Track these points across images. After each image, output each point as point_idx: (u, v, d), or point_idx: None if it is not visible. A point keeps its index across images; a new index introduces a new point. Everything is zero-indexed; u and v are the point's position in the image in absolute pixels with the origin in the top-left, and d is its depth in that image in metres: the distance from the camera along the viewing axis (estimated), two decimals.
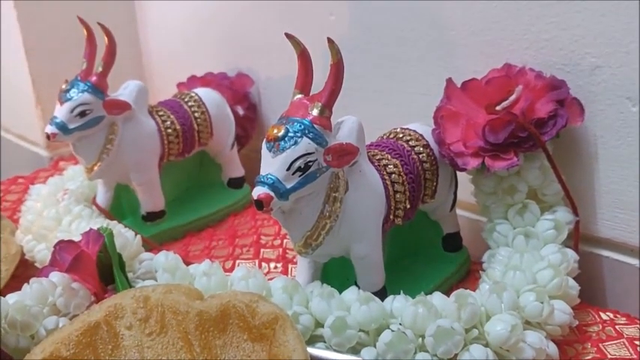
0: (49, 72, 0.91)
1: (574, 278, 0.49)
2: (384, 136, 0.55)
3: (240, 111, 0.80)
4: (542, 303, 0.44)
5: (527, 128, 0.49)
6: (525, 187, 0.52)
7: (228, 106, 0.76)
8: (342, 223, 0.47)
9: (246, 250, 0.65)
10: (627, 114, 0.51)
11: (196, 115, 0.72)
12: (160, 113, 0.69)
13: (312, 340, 0.45)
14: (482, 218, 0.60)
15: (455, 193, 0.57)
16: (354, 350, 0.44)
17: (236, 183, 0.78)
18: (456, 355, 0.42)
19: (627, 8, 0.49)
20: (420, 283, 0.55)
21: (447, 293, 0.46)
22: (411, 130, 0.55)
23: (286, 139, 0.44)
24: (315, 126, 0.44)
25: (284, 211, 0.46)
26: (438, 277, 0.57)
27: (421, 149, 0.53)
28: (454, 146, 0.52)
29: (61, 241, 0.49)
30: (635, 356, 0.46)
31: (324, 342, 0.44)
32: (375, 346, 0.43)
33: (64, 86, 0.63)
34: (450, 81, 0.55)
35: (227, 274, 0.51)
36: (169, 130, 0.69)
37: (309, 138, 0.44)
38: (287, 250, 0.65)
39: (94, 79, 0.63)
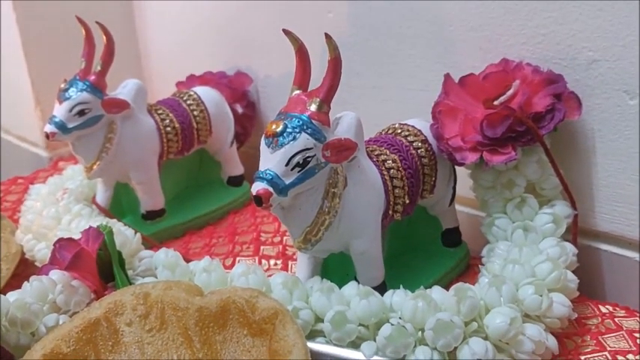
0: (49, 73, 0.91)
1: (573, 272, 0.49)
2: (383, 132, 0.56)
3: (239, 109, 0.80)
4: (541, 296, 0.44)
5: (524, 122, 0.50)
6: (524, 182, 0.52)
7: (227, 105, 0.76)
8: (341, 219, 0.47)
9: (246, 247, 0.65)
10: (625, 107, 0.51)
11: (195, 113, 0.72)
12: (159, 112, 0.69)
13: (312, 335, 0.45)
14: (481, 213, 0.60)
15: (454, 188, 0.57)
16: (354, 344, 0.44)
17: (235, 181, 0.78)
18: (456, 348, 0.42)
19: (624, 2, 0.49)
20: (420, 278, 0.55)
21: (447, 288, 0.46)
22: (409, 125, 0.55)
23: (285, 134, 0.44)
24: (313, 121, 0.44)
25: (283, 207, 0.46)
26: (437, 272, 0.57)
27: (420, 144, 0.54)
28: (452, 141, 0.52)
29: (60, 239, 0.49)
30: (634, 348, 0.47)
31: (324, 337, 0.44)
32: (374, 340, 0.43)
33: (62, 85, 0.63)
34: (447, 76, 0.55)
35: (227, 270, 0.51)
36: (168, 129, 0.69)
37: (307, 133, 0.44)
38: (287, 247, 0.65)
39: (92, 78, 0.63)
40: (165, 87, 0.94)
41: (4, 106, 1.01)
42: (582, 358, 0.46)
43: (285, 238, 0.67)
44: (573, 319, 0.48)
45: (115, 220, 0.62)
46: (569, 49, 0.53)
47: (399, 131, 0.54)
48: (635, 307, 0.52)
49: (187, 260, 0.53)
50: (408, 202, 0.52)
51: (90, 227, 0.50)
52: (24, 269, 0.63)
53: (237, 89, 0.81)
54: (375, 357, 0.42)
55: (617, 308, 0.52)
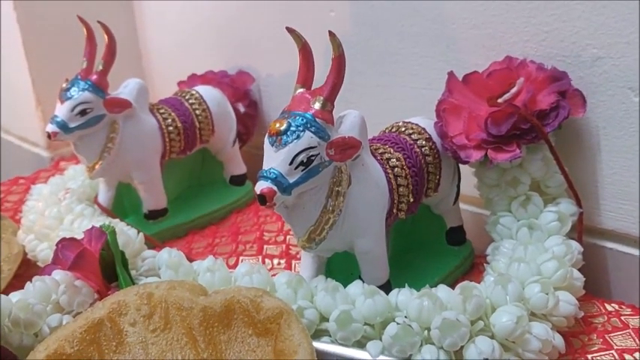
0: (49, 72, 0.91)
1: (578, 270, 0.49)
2: (386, 130, 0.55)
3: (241, 108, 0.80)
4: (547, 294, 0.44)
5: (529, 120, 0.49)
6: (528, 179, 0.52)
7: (229, 104, 0.76)
8: (346, 218, 0.47)
9: (250, 246, 0.65)
10: (629, 104, 0.51)
11: (197, 112, 0.71)
12: (161, 111, 0.69)
13: (318, 335, 0.44)
14: (485, 212, 0.60)
15: (458, 186, 0.57)
16: (360, 344, 0.44)
17: (238, 180, 0.78)
18: (462, 347, 0.42)
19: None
20: (424, 277, 0.55)
21: (452, 287, 0.46)
22: (413, 123, 0.55)
23: (288, 133, 0.44)
24: (317, 120, 0.44)
25: (287, 206, 0.46)
26: (442, 271, 0.56)
27: (424, 142, 0.53)
28: (457, 139, 0.52)
29: (63, 239, 0.49)
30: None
31: (329, 336, 0.44)
32: (380, 340, 0.43)
33: (64, 85, 0.63)
34: (451, 74, 0.55)
35: (231, 270, 0.51)
36: (170, 128, 0.69)
37: (311, 132, 0.44)
38: (290, 247, 0.64)
39: (94, 77, 0.63)
40: (166, 86, 0.94)
41: (4, 107, 1.01)
42: (589, 356, 0.46)
43: (288, 237, 0.66)
44: (579, 318, 0.48)
45: (117, 220, 0.62)
46: (572, 46, 0.53)
47: (403, 129, 0.54)
48: None
49: (190, 260, 0.52)
50: (412, 200, 0.52)
51: (92, 227, 0.50)
52: (26, 270, 0.63)
53: (239, 88, 0.81)
54: (381, 356, 0.42)
55: (623, 306, 0.51)
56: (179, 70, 0.87)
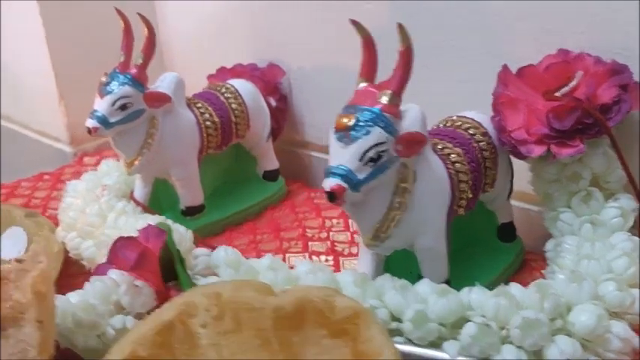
0: (72, 68, 0.89)
1: None
2: (440, 125, 0.54)
3: (273, 102, 0.78)
4: (622, 292, 0.43)
5: (593, 114, 0.48)
6: (589, 174, 0.51)
7: (262, 98, 0.74)
8: (410, 215, 0.46)
9: (294, 243, 0.64)
10: None
11: (233, 106, 0.70)
12: (198, 105, 0.68)
13: (390, 335, 0.43)
14: (532, 207, 0.59)
15: (511, 182, 0.56)
16: (434, 344, 0.43)
17: (271, 175, 0.77)
18: (542, 347, 0.41)
19: None
20: (480, 274, 0.54)
21: (506, 284, 0.46)
22: (468, 118, 0.54)
23: (357, 128, 0.43)
24: (385, 114, 0.43)
25: (353, 203, 0.45)
26: (497, 268, 0.56)
27: (480, 137, 0.52)
28: (516, 133, 0.51)
29: (120, 238, 0.48)
30: None
31: (401, 336, 0.43)
32: (453, 339, 0.42)
33: (103, 79, 0.62)
34: (505, 67, 0.54)
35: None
36: (208, 123, 0.68)
37: (380, 127, 0.43)
38: (335, 243, 0.64)
39: (133, 71, 0.62)
40: (188, 80, 0.92)
41: (22, 102, 0.99)
42: None
43: (331, 233, 0.66)
44: None
45: (157, 217, 0.61)
46: (628, 38, 0.52)
47: (459, 124, 0.53)
48: None
49: None
50: (471, 196, 0.51)
51: (149, 225, 0.49)
52: (67, 267, 0.61)
53: (269, 82, 0.79)
54: (460, 357, 0.41)
55: None
56: (201, 64, 0.86)
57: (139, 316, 0.46)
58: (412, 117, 0.46)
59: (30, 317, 0.41)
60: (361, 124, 0.42)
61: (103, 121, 0.61)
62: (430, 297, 0.44)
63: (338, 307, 0.41)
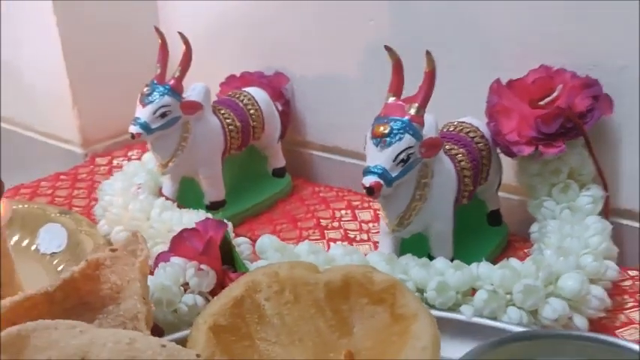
0: (85, 74, 0.96)
1: None
2: (444, 129, 0.64)
3: (279, 107, 0.87)
4: (598, 263, 0.54)
5: (573, 120, 0.59)
6: (567, 169, 0.62)
7: (273, 104, 0.83)
8: (428, 205, 0.56)
9: (312, 232, 0.73)
10: None
11: (251, 112, 0.79)
12: (222, 112, 0.76)
13: None
14: (513, 196, 0.70)
15: (500, 176, 0.67)
16: (451, 309, 0.53)
17: (279, 172, 0.86)
18: (538, 307, 0.51)
19: None
20: (476, 253, 0.64)
21: (495, 262, 0.56)
22: (467, 123, 0.64)
23: (392, 135, 0.52)
24: (413, 123, 0.53)
25: (384, 196, 0.55)
26: (488, 248, 0.66)
27: (479, 139, 0.63)
28: (509, 136, 0.61)
29: (185, 230, 0.56)
30: None
31: (427, 304, 0.53)
32: (467, 305, 0.52)
33: (145, 90, 0.69)
34: (498, 80, 0.64)
35: None
36: (231, 127, 0.76)
37: (410, 134, 0.52)
38: (348, 231, 0.73)
39: (172, 82, 0.69)
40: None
41: (33, 105, 1.04)
42: (625, 312, 0.57)
43: (342, 222, 0.75)
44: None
45: (202, 212, 0.69)
46: (600, 56, 0.63)
47: (460, 128, 0.64)
48: None
49: None
50: (472, 188, 0.61)
51: (207, 219, 0.57)
52: None
53: (275, 88, 0.88)
54: (474, 318, 0.51)
55: None
56: (203, 73, 0.93)
57: (203, 295, 0.55)
58: (429, 124, 0.56)
59: (129, 294, 0.49)
60: (395, 131, 0.52)
61: (145, 128, 0.68)
62: (447, 271, 0.54)
63: (376, 280, 0.51)
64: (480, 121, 0.65)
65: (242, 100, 0.79)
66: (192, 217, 0.65)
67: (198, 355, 0.41)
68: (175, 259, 0.55)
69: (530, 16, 0.67)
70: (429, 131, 0.55)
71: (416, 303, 0.49)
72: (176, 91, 0.69)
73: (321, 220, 0.75)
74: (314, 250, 0.57)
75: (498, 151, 0.65)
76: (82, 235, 0.71)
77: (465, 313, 0.52)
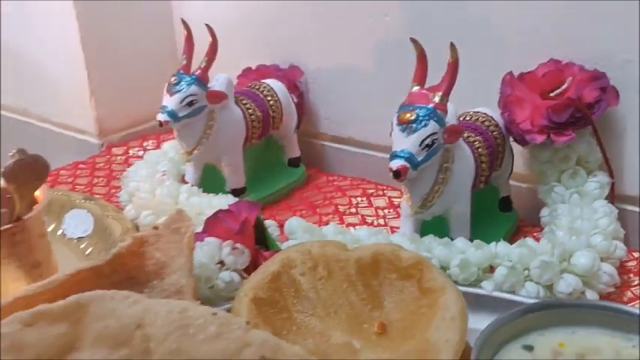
0: (103, 67, 0.98)
1: None
2: (461, 118, 0.68)
3: (294, 99, 0.90)
4: (607, 242, 0.58)
5: (582, 110, 0.63)
6: (576, 156, 0.66)
7: (290, 95, 0.86)
8: (449, 188, 0.60)
9: (332, 217, 0.76)
10: None
11: (271, 103, 0.82)
12: (244, 102, 0.79)
13: None
14: (522, 184, 0.74)
15: (512, 163, 0.71)
16: (472, 284, 0.56)
17: (295, 162, 0.89)
18: (553, 282, 0.55)
19: None
20: (489, 237, 0.67)
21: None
22: (481, 113, 0.68)
23: (417, 121, 0.56)
24: (437, 111, 0.57)
25: (409, 179, 0.58)
26: (501, 231, 0.70)
27: (493, 128, 0.67)
28: (523, 125, 0.65)
29: (220, 211, 0.59)
30: None
31: None
32: (487, 280, 0.56)
33: (172, 79, 0.72)
34: (511, 73, 0.68)
35: None
36: (252, 117, 0.79)
37: (434, 121, 0.56)
38: (365, 217, 0.76)
39: (198, 72, 0.72)
40: None
41: (49, 97, 1.07)
42: (632, 289, 0.61)
43: (359, 209, 0.78)
44: None
45: (229, 196, 0.72)
46: (606, 51, 0.67)
47: (476, 117, 0.67)
48: None
49: None
50: (488, 174, 0.65)
51: (240, 201, 0.60)
52: None
53: (291, 81, 0.91)
54: (495, 292, 0.55)
55: None
56: (219, 65, 0.96)
57: (238, 272, 0.58)
58: (450, 113, 0.59)
59: (172, 270, 0.52)
60: (420, 118, 0.56)
61: (172, 115, 0.71)
62: (468, 249, 0.58)
63: (404, 258, 0.54)
64: (493, 111, 0.69)
65: (262, 91, 0.82)
66: (221, 201, 0.68)
67: (247, 322, 0.45)
68: (211, 239, 0.59)
69: (539, 12, 0.71)
70: (450, 119, 0.59)
71: (443, 277, 0.52)
72: (202, 81, 0.72)
73: (339, 207, 0.79)
74: (340, 231, 0.61)
75: (511, 139, 0.69)
76: (109, 220, 0.74)
77: (486, 288, 0.55)
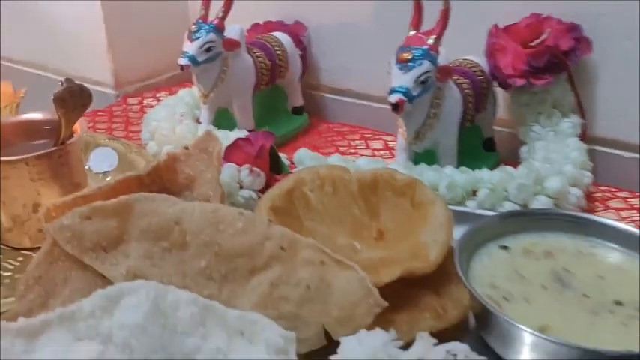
0: (120, 21, 1.05)
1: None
2: (451, 64, 0.76)
3: (299, 52, 0.98)
4: (577, 170, 0.67)
5: (558, 57, 0.72)
6: (552, 99, 0.75)
7: (295, 47, 0.94)
8: (440, 122, 0.68)
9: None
10: (622, 48, 0.74)
11: (278, 53, 0.89)
12: (254, 51, 0.87)
13: None
14: (503, 129, 0.82)
15: (495, 107, 0.79)
16: (459, 204, 0.65)
17: (298, 110, 0.97)
18: (528, 202, 0.64)
19: None
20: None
21: None
22: (469, 60, 0.76)
23: (414, 60, 0.64)
24: (431, 52, 0.65)
25: (406, 113, 0.66)
26: (484, 167, 0.78)
27: (480, 73, 0.75)
28: (505, 69, 0.73)
29: (239, 139, 0.67)
30: (629, 208, 0.71)
31: None
32: (471, 201, 0.65)
33: (192, 27, 0.80)
34: (496, 25, 0.76)
35: None
36: (262, 65, 0.87)
37: (428, 60, 0.64)
38: (364, 157, 0.84)
39: (216, 21, 0.80)
40: None
41: (67, 51, 1.14)
42: (597, 213, 0.70)
43: (358, 150, 0.87)
44: None
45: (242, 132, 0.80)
46: (582, 4, 0.75)
47: (465, 63, 0.75)
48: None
49: None
50: (473, 113, 0.73)
51: (255, 131, 0.68)
52: None
53: (295, 35, 0.98)
54: (478, 209, 0.64)
55: (610, 187, 0.75)
56: (229, 20, 1.03)
57: (255, 192, 0.66)
58: (442, 55, 0.68)
59: (201, 183, 0.60)
60: (416, 57, 0.64)
61: (193, 60, 0.79)
62: (455, 174, 0.66)
63: (399, 179, 0.62)
64: (480, 59, 0.77)
65: (270, 43, 0.90)
66: (237, 134, 0.76)
67: (270, 220, 0.53)
68: (231, 163, 0.67)
69: None
70: (442, 61, 0.67)
71: (433, 194, 0.60)
72: (219, 29, 0.80)
73: (340, 148, 0.87)
74: (344, 160, 0.69)
75: (495, 85, 0.77)
76: (132, 155, 0.82)
77: (470, 206, 0.64)
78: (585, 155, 0.71)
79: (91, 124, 0.99)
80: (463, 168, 0.67)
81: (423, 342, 0.44)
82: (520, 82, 0.73)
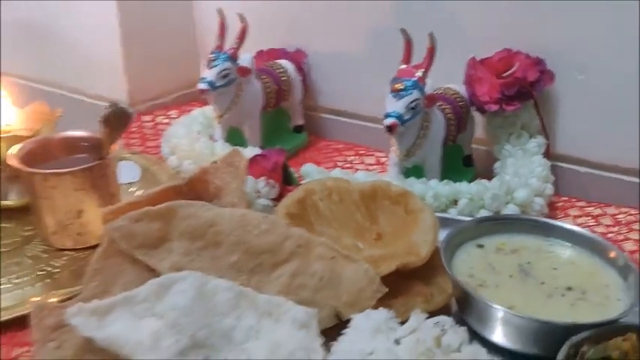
0: (136, 45, 1.16)
1: None
2: (435, 92, 0.88)
3: (300, 77, 1.09)
4: (540, 182, 0.80)
5: (526, 87, 0.85)
6: (520, 122, 0.87)
7: (297, 73, 1.06)
8: (427, 142, 0.80)
9: (332, 170, 0.96)
10: (576, 80, 0.87)
11: (283, 79, 1.01)
12: (263, 77, 0.98)
13: None
14: (480, 147, 0.95)
15: (473, 128, 0.92)
16: (442, 211, 0.77)
17: (299, 129, 1.09)
18: (500, 209, 0.76)
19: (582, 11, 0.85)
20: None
21: None
22: (451, 88, 0.89)
23: (405, 90, 0.76)
24: (419, 83, 0.77)
25: (399, 134, 0.79)
26: (463, 180, 0.91)
27: (460, 99, 0.87)
28: (482, 97, 0.86)
29: (257, 155, 0.79)
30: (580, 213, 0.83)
31: None
32: (452, 209, 0.77)
33: (211, 56, 0.91)
34: (473, 58, 0.89)
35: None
36: (269, 89, 0.98)
37: (418, 90, 0.77)
38: (359, 171, 0.96)
39: (231, 51, 0.91)
40: None
41: (85, 72, 1.24)
42: (557, 219, 0.82)
43: (353, 164, 0.99)
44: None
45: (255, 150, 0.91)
46: (544, 42, 0.88)
47: (447, 91, 0.88)
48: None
49: None
50: (455, 133, 0.86)
51: (271, 148, 0.80)
52: None
53: (297, 62, 1.10)
54: (458, 216, 0.76)
55: (570, 197, 0.88)
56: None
57: (270, 200, 0.77)
58: (429, 85, 0.80)
59: (227, 193, 0.71)
60: (408, 87, 0.76)
61: (211, 85, 0.90)
62: (439, 186, 0.78)
63: (394, 189, 0.74)
64: (459, 87, 0.89)
65: (276, 69, 1.01)
66: (249, 151, 0.87)
67: (288, 224, 0.65)
68: (250, 176, 0.78)
69: (497, 12, 0.91)
70: (428, 90, 0.80)
71: (422, 202, 0.72)
72: (234, 58, 0.92)
73: (337, 162, 0.99)
74: (345, 173, 0.81)
75: (473, 109, 0.90)
76: (154, 168, 0.93)
77: (452, 213, 0.76)
78: (548, 170, 0.83)
79: None
80: (446, 181, 0.79)
81: (417, 317, 0.56)
82: (494, 107, 0.86)
